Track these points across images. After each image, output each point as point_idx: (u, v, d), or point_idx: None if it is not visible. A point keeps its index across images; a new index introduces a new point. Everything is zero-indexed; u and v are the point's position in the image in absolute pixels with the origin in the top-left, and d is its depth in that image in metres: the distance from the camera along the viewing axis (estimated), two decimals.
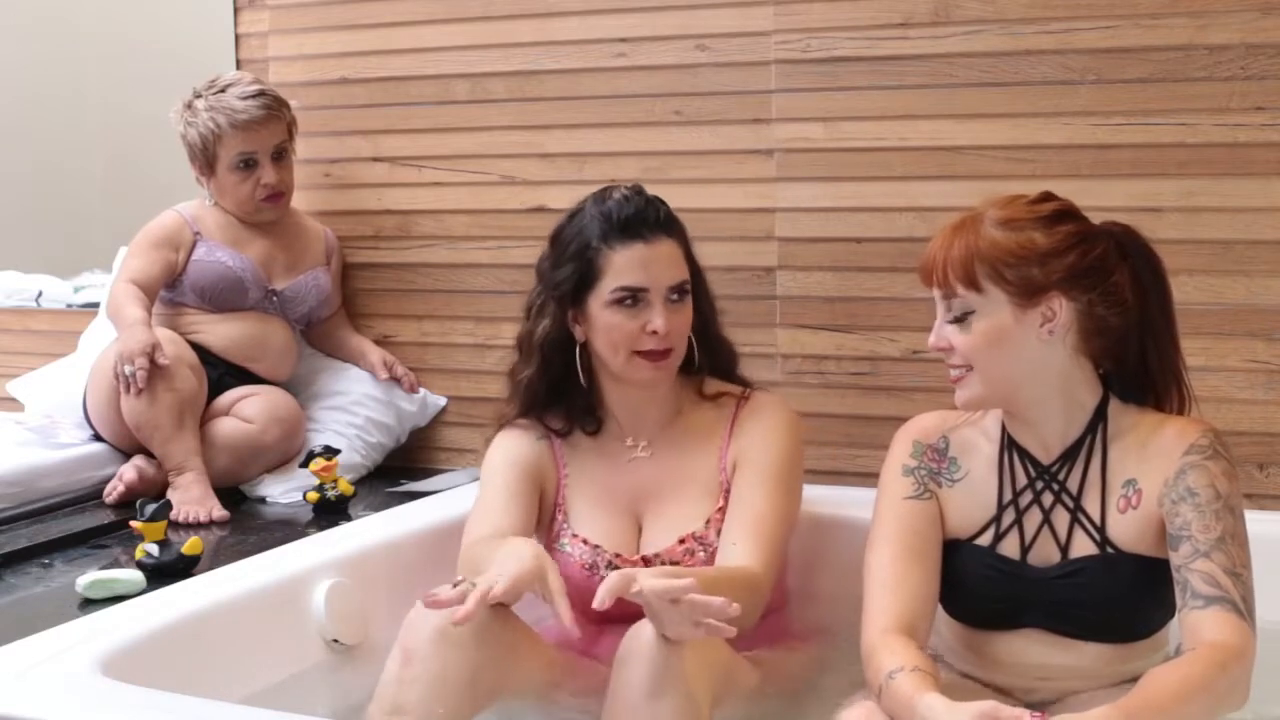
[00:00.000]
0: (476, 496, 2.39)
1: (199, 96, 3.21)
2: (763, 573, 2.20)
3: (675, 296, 2.30)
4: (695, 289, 2.36)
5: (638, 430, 2.40)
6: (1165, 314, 2.07)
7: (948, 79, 2.83)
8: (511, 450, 2.40)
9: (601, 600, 1.89)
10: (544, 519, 2.40)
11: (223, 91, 3.20)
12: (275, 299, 3.27)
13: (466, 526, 2.33)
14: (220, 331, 3.22)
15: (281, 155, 3.25)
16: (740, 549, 2.22)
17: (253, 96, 3.20)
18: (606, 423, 2.41)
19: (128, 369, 2.99)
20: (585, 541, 2.35)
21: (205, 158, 3.21)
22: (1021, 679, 2.07)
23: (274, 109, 3.23)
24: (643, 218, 2.31)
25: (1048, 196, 2.05)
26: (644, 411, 2.39)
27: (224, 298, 3.22)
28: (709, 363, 2.40)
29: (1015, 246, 1.96)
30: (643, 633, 1.97)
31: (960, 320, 1.99)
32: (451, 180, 3.32)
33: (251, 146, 3.20)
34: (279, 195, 3.26)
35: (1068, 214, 2.03)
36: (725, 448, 2.35)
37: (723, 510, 2.31)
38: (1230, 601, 1.88)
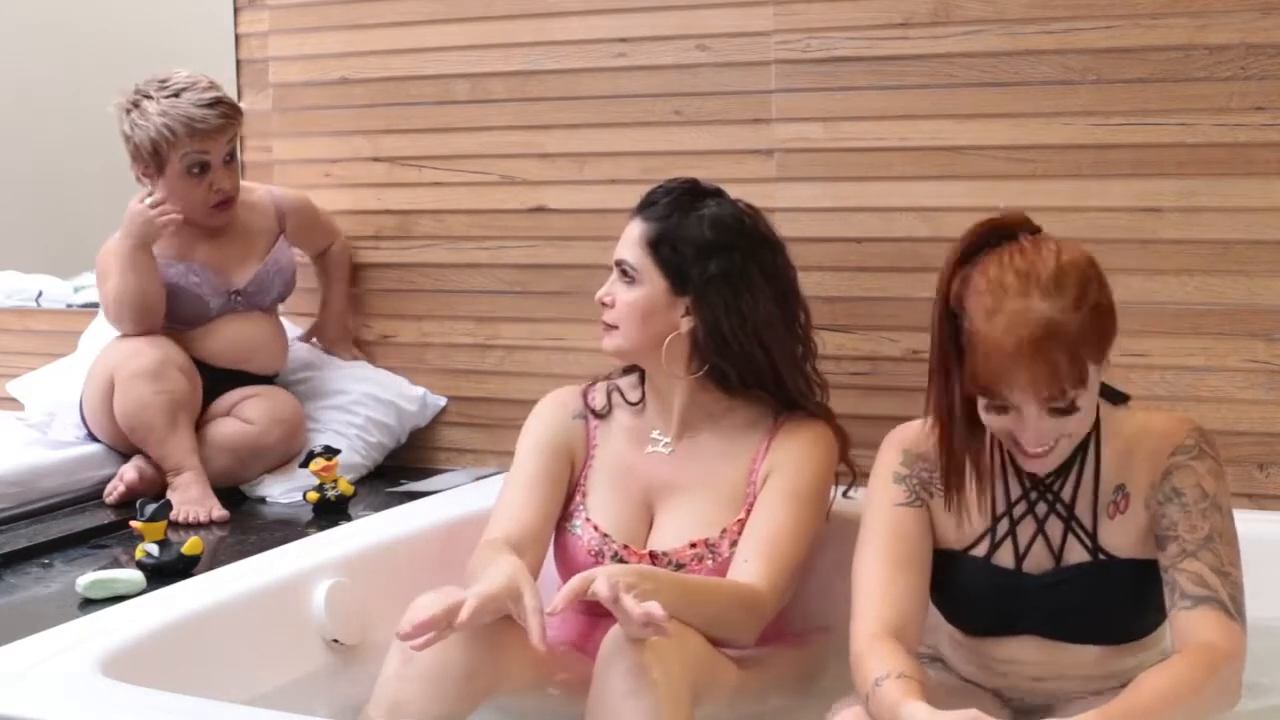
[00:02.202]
0: (507, 476, 2.44)
1: (148, 97, 3.09)
2: (767, 594, 2.22)
3: (620, 272, 2.39)
4: (704, 294, 2.34)
5: (666, 422, 2.42)
6: None
7: (948, 79, 2.83)
8: (544, 431, 2.45)
9: (554, 606, 1.98)
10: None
11: (176, 96, 3.08)
12: (239, 298, 3.22)
13: (492, 512, 2.39)
14: (200, 344, 3.18)
15: (231, 159, 3.18)
16: (752, 566, 2.23)
17: (209, 105, 3.09)
18: (647, 405, 2.44)
19: (164, 220, 3.05)
20: (596, 528, 2.37)
21: (155, 161, 3.10)
22: (1018, 681, 2.08)
23: (230, 116, 3.13)
24: (644, 199, 2.41)
25: (1041, 242, 1.97)
26: (666, 402, 2.42)
27: (187, 314, 3.17)
28: (739, 376, 2.38)
29: (1094, 323, 1.91)
30: (621, 634, 2.00)
31: (1068, 411, 1.92)
32: (451, 180, 3.32)
33: (205, 151, 3.10)
34: (229, 201, 3.18)
35: (1060, 248, 1.96)
36: (759, 462, 2.36)
37: (742, 522, 2.32)
38: (1219, 601, 1.88)
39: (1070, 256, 1.93)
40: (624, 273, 2.38)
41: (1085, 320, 1.89)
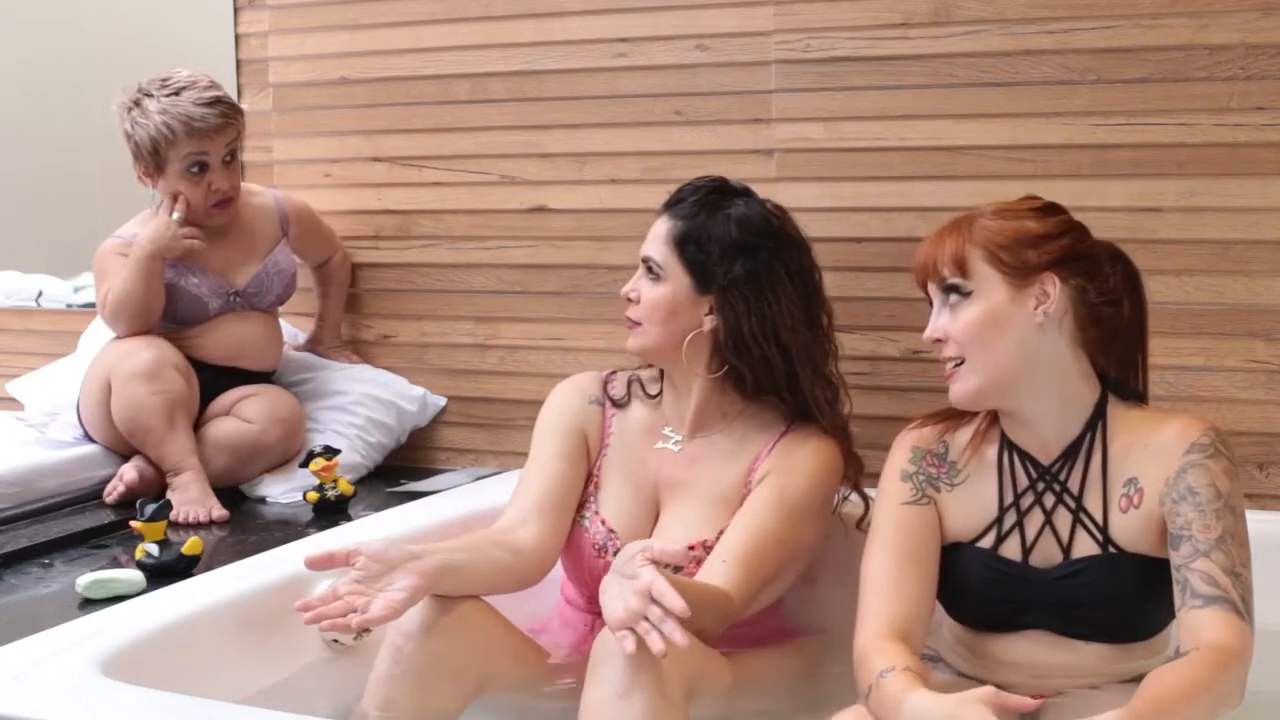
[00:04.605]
0: (526, 462, 2.44)
1: (149, 96, 3.10)
2: (737, 600, 2.18)
3: (646, 269, 2.37)
4: (727, 294, 2.32)
5: (679, 419, 2.41)
6: (1142, 331, 2.12)
7: (948, 79, 2.83)
8: (560, 413, 2.45)
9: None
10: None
11: (177, 94, 3.09)
12: (238, 299, 3.23)
13: (511, 496, 2.40)
14: (197, 343, 3.19)
15: (231, 158, 3.17)
16: (728, 569, 2.20)
17: (209, 104, 3.09)
18: (664, 401, 2.44)
19: (187, 243, 3.09)
20: (604, 522, 2.38)
21: (155, 160, 3.11)
22: (1021, 679, 2.07)
23: (230, 116, 3.13)
24: (673, 196, 2.40)
25: (1037, 197, 2.11)
26: (683, 400, 2.41)
27: (186, 315, 3.18)
28: (755, 379, 2.36)
29: (1010, 231, 2.02)
30: (613, 638, 1.98)
31: (955, 307, 2.00)
32: (451, 180, 3.32)
33: (204, 150, 3.10)
34: (229, 200, 3.18)
35: (1059, 207, 2.09)
36: (758, 463, 2.34)
37: None
38: (1229, 601, 1.88)
39: (1060, 209, 2.08)
40: (650, 269, 2.36)
41: (995, 227, 2.02)
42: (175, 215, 3.10)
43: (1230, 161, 2.65)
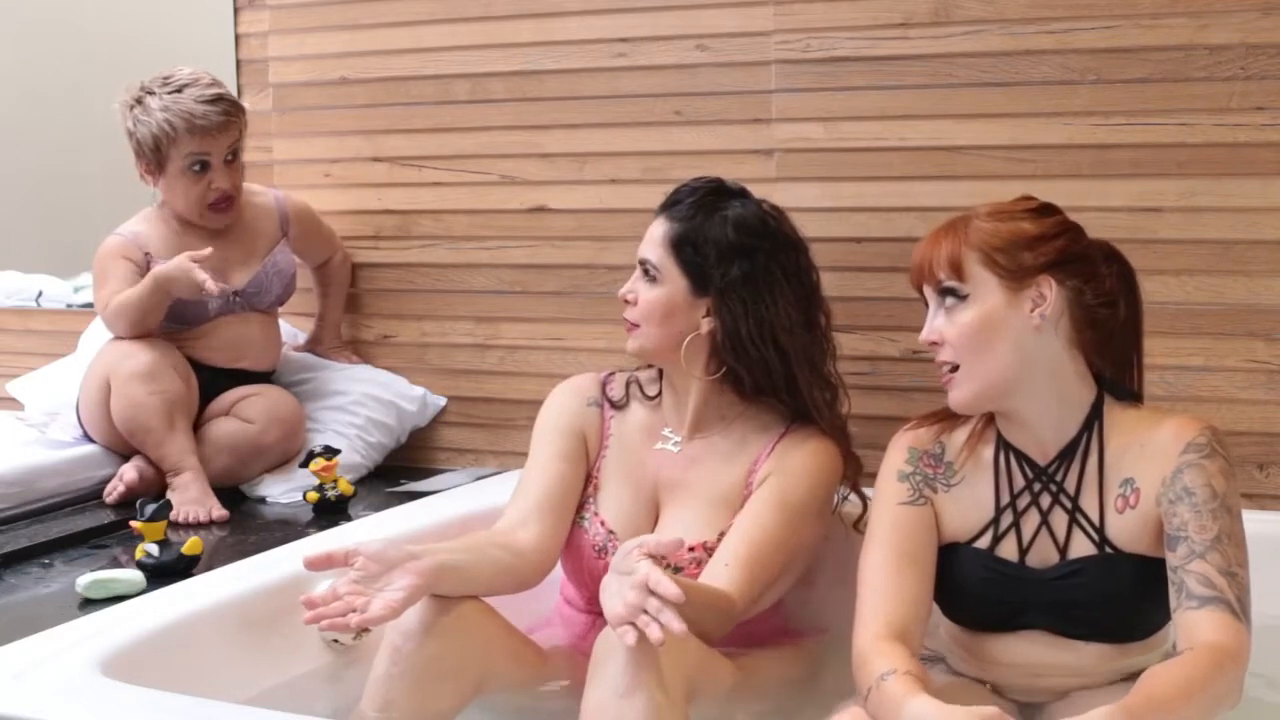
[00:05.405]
0: (526, 464, 2.44)
1: (151, 94, 3.09)
2: (739, 602, 2.19)
3: (643, 271, 2.37)
4: (725, 296, 2.32)
5: (679, 420, 2.41)
6: (1137, 330, 2.12)
7: (948, 79, 2.83)
8: (559, 415, 2.45)
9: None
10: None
11: (179, 92, 3.08)
12: (238, 299, 3.22)
13: (510, 498, 2.40)
14: (197, 344, 3.19)
15: (233, 158, 3.16)
16: (731, 572, 2.20)
17: (211, 101, 3.08)
18: (663, 402, 2.44)
19: (210, 286, 2.96)
20: (604, 524, 2.38)
21: (156, 158, 3.10)
22: (1019, 679, 2.08)
23: (232, 115, 3.12)
24: (669, 198, 2.40)
25: (1032, 198, 2.11)
26: (681, 401, 2.41)
27: (187, 315, 3.17)
28: (754, 381, 2.36)
29: (1005, 233, 2.01)
30: (614, 634, 1.98)
31: (951, 310, 2.00)
32: (451, 180, 3.32)
33: (205, 149, 3.09)
34: (230, 200, 3.17)
35: (1054, 208, 2.08)
36: (759, 464, 2.35)
37: None
38: (1225, 602, 1.88)
39: (1055, 209, 2.07)
40: (646, 272, 2.36)
41: (991, 229, 2.01)
42: (206, 281, 2.98)
43: (1230, 161, 2.65)
